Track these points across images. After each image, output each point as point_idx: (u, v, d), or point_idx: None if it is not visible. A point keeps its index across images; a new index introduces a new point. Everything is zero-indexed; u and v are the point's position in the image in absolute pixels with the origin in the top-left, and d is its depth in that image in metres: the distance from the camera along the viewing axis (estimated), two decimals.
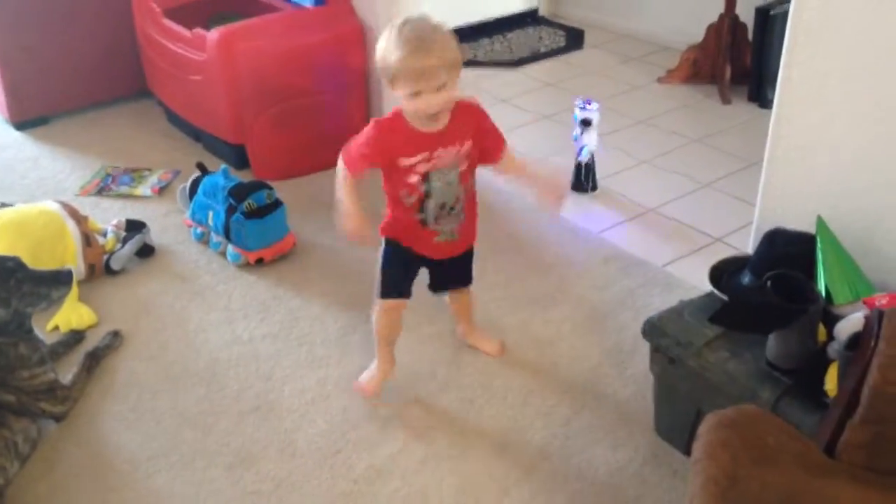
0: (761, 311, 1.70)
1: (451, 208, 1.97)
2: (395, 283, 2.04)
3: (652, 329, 1.89)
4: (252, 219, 2.53)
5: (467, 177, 1.97)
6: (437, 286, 2.17)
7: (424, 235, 2.00)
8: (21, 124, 3.43)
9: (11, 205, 2.59)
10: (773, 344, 1.71)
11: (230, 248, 2.60)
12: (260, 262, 2.58)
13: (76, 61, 3.43)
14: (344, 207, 1.92)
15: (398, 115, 1.89)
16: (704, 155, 3.27)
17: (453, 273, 2.15)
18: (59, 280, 2.01)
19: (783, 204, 2.01)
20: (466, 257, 2.13)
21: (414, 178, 1.90)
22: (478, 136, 1.94)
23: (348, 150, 1.92)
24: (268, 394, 2.13)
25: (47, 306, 2.02)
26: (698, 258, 2.61)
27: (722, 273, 1.94)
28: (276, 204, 2.60)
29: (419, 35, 1.77)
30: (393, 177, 1.93)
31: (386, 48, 1.80)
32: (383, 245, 2.04)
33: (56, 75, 3.41)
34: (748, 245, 2.16)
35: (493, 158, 2.00)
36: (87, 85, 3.50)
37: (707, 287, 1.93)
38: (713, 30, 3.72)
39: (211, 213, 2.61)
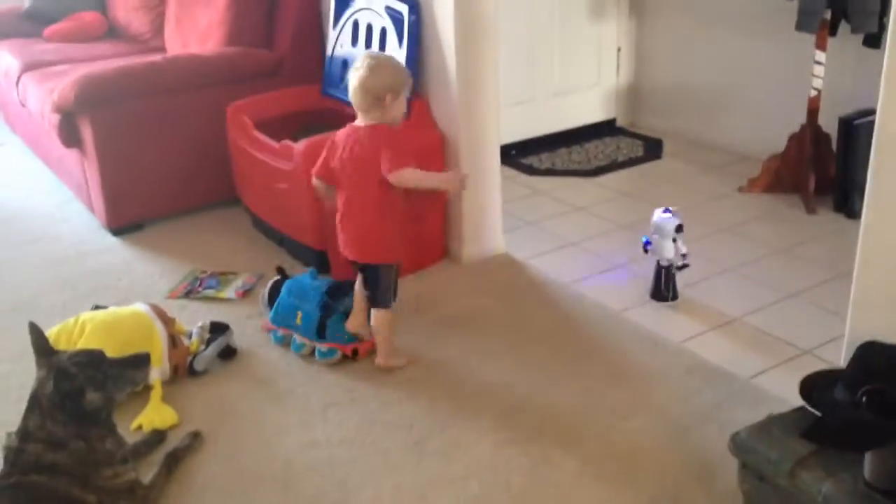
0: (857, 428, 1.62)
1: None
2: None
3: (740, 445, 1.81)
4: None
5: None
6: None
7: None
8: (118, 230, 3.60)
9: (106, 307, 2.70)
10: (870, 463, 1.62)
11: (321, 348, 2.64)
12: (355, 354, 2.65)
13: (171, 170, 3.61)
14: (439, 177, 2.77)
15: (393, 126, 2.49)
16: (790, 265, 3.20)
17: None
18: (140, 362, 2.14)
19: (876, 316, 1.94)
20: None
21: None
22: None
23: (405, 158, 2.42)
24: (343, 500, 2.11)
25: (132, 389, 2.14)
26: (786, 371, 2.52)
27: (813, 387, 1.86)
28: None
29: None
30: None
31: (398, 71, 2.47)
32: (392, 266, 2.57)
33: (152, 183, 3.59)
34: (839, 358, 2.07)
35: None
36: (180, 192, 3.67)
37: (797, 401, 1.85)
38: (795, 139, 3.70)
39: (300, 314, 2.66)
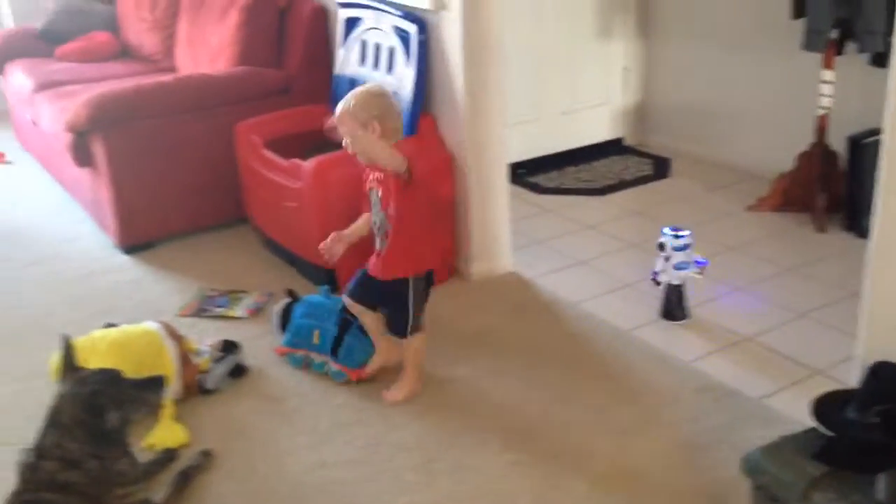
0: (869, 449, 1.61)
1: (379, 228, 2.48)
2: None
3: (751, 466, 1.81)
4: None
5: (386, 203, 2.44)
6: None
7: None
8: (129, 249, 3.61)
9: (116, 325, 2.71)
10: (883, 485, 1.61)
11: (332, 367, 2.64)
12: (359, 380, 2.64)
13: (183, 189, 3.63)
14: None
15: None
16: (800, 284, 3.19)
17: (384, 298, 2.56)
18: (156, 384, 2.14)
19: (888, 335, 1.94)
20: (391, 286, 2.49)
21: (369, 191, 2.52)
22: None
23: None
24: None
25: (148, 412, 2.14)
26: (798, 391, 2.51)
27: (825, 407, 1.85)
28: None
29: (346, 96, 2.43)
30: None
31: None
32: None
33: (163, 202, 3.61)
34: (851, 378, 2.07)
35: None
36: (191, 211, 3.68)
37: (809, 422, 1.85)
38: (804, 158, 3.70)
39: (317, 332, 2.67)
